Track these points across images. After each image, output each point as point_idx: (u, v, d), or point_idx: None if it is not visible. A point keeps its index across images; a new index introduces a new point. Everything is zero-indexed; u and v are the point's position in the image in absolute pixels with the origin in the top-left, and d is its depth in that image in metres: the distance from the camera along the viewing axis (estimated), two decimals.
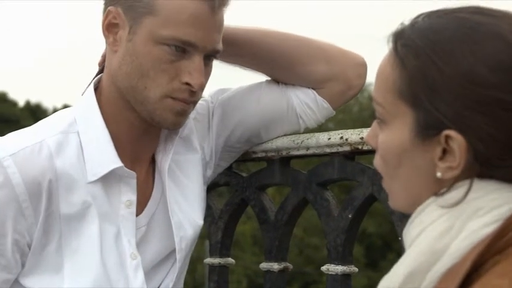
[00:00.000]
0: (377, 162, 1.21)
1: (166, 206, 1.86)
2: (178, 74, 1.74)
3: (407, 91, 1.13)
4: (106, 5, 1.78)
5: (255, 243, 22.95)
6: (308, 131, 2.04)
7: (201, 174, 1.97)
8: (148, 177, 1.87)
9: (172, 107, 1.76)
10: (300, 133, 2.03)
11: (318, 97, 1.98)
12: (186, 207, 1.90)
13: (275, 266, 2.09)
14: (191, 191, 1.93)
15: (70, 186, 1.74)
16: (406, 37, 1.14)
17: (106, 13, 1.77)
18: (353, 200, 1.93)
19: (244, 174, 2.16)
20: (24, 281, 1.75)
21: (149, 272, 1.84)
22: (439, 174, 1.12)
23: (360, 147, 1.89)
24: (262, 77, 2.02)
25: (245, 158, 2.09)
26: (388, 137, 1.17)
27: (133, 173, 1.80)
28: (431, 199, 1.13)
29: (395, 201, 1.21)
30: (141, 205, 1.84)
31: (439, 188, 1.13)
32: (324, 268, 1.98)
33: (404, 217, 1.19)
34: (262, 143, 2.05)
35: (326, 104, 1.98)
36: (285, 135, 2.04)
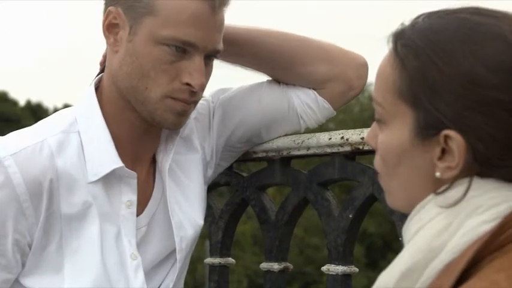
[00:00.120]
0: (377, 162, 1.21)
1: (167, 206, 1.86)
2: (178, 74, 1.74)
3: (407, 91, 1.13)
4: (106, 5, 1.78)
5: (256, 243, 22.95)
6: (309, 131, 2.04)
7: (202, 174, 1.97)
8: (149, 177, 1.87)
9: (173, 107, 1.76)
10: (300, 133, 2.03)
11: (319, 97, 1.97)
12: (186, 207, 1.90)
13: (275, 266, 2.09)
14: (192, 191, 1.93)
15: (71, 186, 1.74)
16: (406, 37, 1.14)
17: (106, 13, 1.77)
18: (353, 200, 1.93)
19: (244, 174, 2.16)
20: (25, 281, 1.75)
21: (149, 272, 1.84)
22: (438, 174, 1.12)
23: (360, 147, 1.89)
24: (263, 77, 2.02)
25: (246, 157, 2.09)
26: (388, 137, 1.17)
27: (134, 173, 1.79)
28: (431, 196, 1.14)
29: (394, 200, 1.21)
30: (142, 205, 1.84)
31: (437, 188, 1.13)
32: (324, 268, 1.98)
33: (405, 217, 1.19)
34: (263, 143, 2.05)
35: (327, 105, 1.98)
36: (285, 135, 2.04)
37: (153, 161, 1.89)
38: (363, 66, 1.98)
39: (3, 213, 1.71)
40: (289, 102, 1.98)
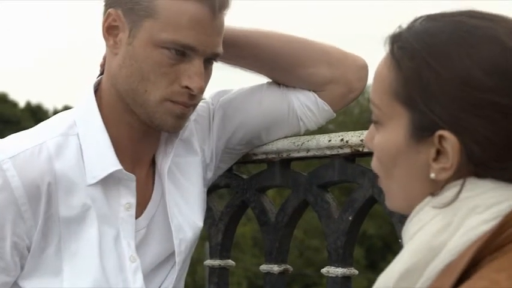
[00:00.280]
0: (374, 163, 1.22)
1: (166, 208, 1.86)
2: (178, 77, 1.74)
3: (402, 93, 1.14)
4: (106, 7, 1.78)
5: (255, 244, 22.96)
6: (308, 133, 2.04)
7: (201, 176, 1.96)
8: (149, 180, 1.87)
9: (172, 111, 1.76)
10: (300, 135, 2.03)
11: (319, 100, 1.97)
12: (186, 210, 1.90)
13: (275, 268, 2.09)
14: (191, 193, 1.93)
15: (69, 189, 1.74)
16: (402, 40, 1.15)
17: (106, 15, 1.77)
18: (353, 202, 1.93)
19: (244, 176, 2.16)
20: (24, 284, 1.75)
21: (148, 275, 1.84)
22: (432, 175, 1.13)
23: (360, 149, 1.89)
24: (263, 79, 2.02)
25: (245, 159, 2.09)
26: (384, 138, 1.18)
27: (133, 176, 1.79)
28: (428, 199, 1.14)
29: (392, 201, 1.22)
30: (141, 207, 1.84)
31: (434, 188, 1.14)
32: (324, 270, 1.98)
33: (404, 219, 1.19)
34: (263, 145, 2.05)
35: (327, 107, 1.98)
36: (285, 137, 2.04)
37: (153, 163, 1.89)
38: (363, 68, 1.98)
39: (1, 217, 1.70)
40: (289, 104, 1.97)
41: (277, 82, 2.00)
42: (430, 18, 1.16)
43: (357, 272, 1.99)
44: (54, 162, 1.74)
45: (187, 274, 2.01)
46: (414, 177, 1.15)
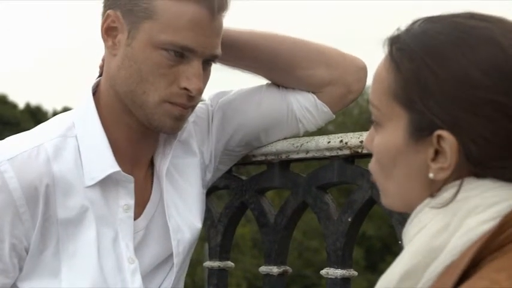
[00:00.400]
0: (372, 164, 1.23)
1: (165, 209, 1.86)
2: (176, 78, 1.74)
3: (401, 93, 1.15)
4: (105, 8, 1.78)
5: (255, 246, 22.96)
6: (308, 134, 2.04)
7: (200, 177, 1.96)
8: (147, 181, 1.87)
9: (171, 112, 1.75)
10: (299, 136, 2.03)
11: (318, 101, 1.97)
12: (184, 211, 1.90)
13: (274, 270, 2.09)
14: (190, 194, 1.93)
15: (67, 190, 1.74)
16: (401, 41, 1.17)
17: (105, 17, 1.77)
18: (352, 204, 1.93)
19: (243, 178, 2.15)
20: (22, 285, 1.75)
21: (147, 276, 1.83)
22: (431, 175, 1.13)
23: (359, 150, 1.89)
24: (261, 80, 2.02)
25: (245, 161, 2.09)
26: (384, 139, 1.19)
27: (131, 178, 1.79)
28: (428, 200, 1.15)
29: (390, 201, 1.22)
30: (140, 208, 1.84)
31: (433, 188, 1.15)
32: (323, 272, 1.98)
33: (404, 220, 1.19)
34: (262, 146, 2.04)
35: (326, 108, 1.98)
36: (284, 138, 2.04)
37: (151, 165, 1.88)
38: (362, 70, 1.98)
39: None
40: (288, 106, 1.97)
41: (276, 83, 2.00)
42: (428, 20, 1.17)
43: (356, 273, 1.99)
44: (52, 164, 1.74)
45: (187, 275, 2.01)
46: (413, 177, 1.16)
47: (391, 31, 1.20)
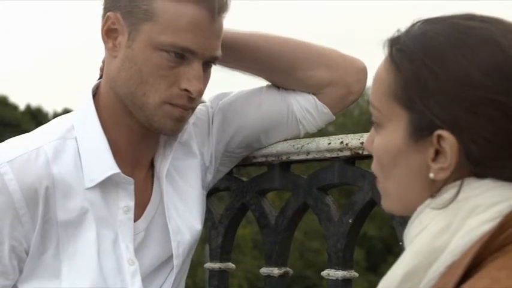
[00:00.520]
0: (374, 165, 1.23)
1: (165, 211, 1.86)
2: (177, 80, 1.74)
3: (401, 94, 1.15)
4: (105, 10, 1.78)
5: (256, 246, 22.96)
6: (308, 135, 2.04)
7: (200, 179, 1.96)
8: (147, 182, 1.87)
9: (171, 113, 1.75)
10: (300, 138, 2.03)
11: (318, 102, 1.97)
12: (184, 212, 1.90)
13: (275, 271, 2.09)
14: (190, 196, 1.93)
15: (67, 192, 1.74)
16: (401, 43, 1.17)
17: (105, 18, 1.77)
18: (353, 205, 1.93)
19: (244, 179, 2.15)
20: (23, 287, 1.75)
21: (147, 277, 1.83)
22: (431, 175, 1.14)
23: (360, 152, 1.89)
24: (262, 82, 2.02)
25: (245, 162, 2.09)
26: (384, 140, 1.19)
27: (131, 179, 1.79)
28: (429, 201, 1.15)
29: (389, 202, 1.23)
30: (140, 210, 1.84)
31: (433, 189, 1.15)
32: (324, 273, 1.98)
33: (405, 221, 1.19)
34: (263, 148, 2.04)
35: (326, 109, 1.98)
36: (285, 140, 2.04)
37: (152, 166, 1.88)
38: (362, 71, 1.98)
39: None
40: (288, 107, 1.97)
41: (276, 85, 2.00)
42: (427, 21, 1.18)
43: (357, 274, 1.99)
44: (52, 166, 1.74)
45: (188, 276, 2.01)
46: (413, 177, 1.16)
47: (391, 31, 1.21)
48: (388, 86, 1.17)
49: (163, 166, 1.86)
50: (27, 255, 1.73)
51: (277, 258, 2.09)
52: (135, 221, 1.82)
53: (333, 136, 1.95)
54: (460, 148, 1.11)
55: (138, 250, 1.82)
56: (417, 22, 1.18)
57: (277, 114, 1.98)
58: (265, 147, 2.04)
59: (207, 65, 1.78)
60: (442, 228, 1.11)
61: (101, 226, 1.77)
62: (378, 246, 26.15)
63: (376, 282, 1.17)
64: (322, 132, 2.07)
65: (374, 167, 1.23)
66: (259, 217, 2.12)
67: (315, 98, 1.98)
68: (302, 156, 2.01)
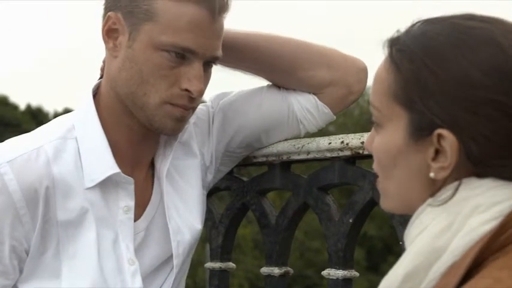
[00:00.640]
0: (375, 166, 1.23)
1: (165, 210, 1.86)
2: (177, 80, 1.74)
3: (402, 94, 1.16)
4: (106, 10, 1.78)
5: (256, 246, 22.95)
6: (309, 135, 2.04)
7: (200, 178, 1.96)
8: (148, 182, 1.87)
9: (172, 113, 1.76)
10: (300, 137, 2.03)
11: (319, 102, 1.97)
12: (184, 212, 1.90)
13: (276, 271, 2.09)
14: (190, 195, 1.93)
15: (67, 192, 1.74)
16: (401, 43, 1.17)
17: (106, 18, 1.77)
18: (354, 205, 1.93)
19: (245, 179, 2.15)
20: (23, 286, 1.75)
21: (147, 277, 1.84)
22: (431, 175, 1.14)
23: (360, 151, 1.89)
24: (262, 82, 2.02)
25: (246, 162, 2.09)
26: (384, 140, 1.19)
27: (131, 179, 1.79)
28: (430, 200, 1.15)
29: (389, 202, 1.23)
30: (140, 210, 1.84)
31: (433, 189, 1.15)
32: (324, 273, 1.98)
33: (405, 221, 1.19)
34: (263, 147, 2.04)
35: (327, 109, 1.98)
36: (285, 139, 2.04)
37: (152, 166, 1.89)
38: (363, 71, 1.98)
39: None
40: (289, 107, 1.97)
41: (277, 85, 2.00)
42: (427, 21, 1.18)
43: (357, 274, 1.99)
44: (52, 166, 1.74)
45: (188, 276, 2.01)
46: (413, 177, 1.17)
47: (391, 31, 1.21)
48: (388, 86, 1.17)
49: (163, 166, 1.86)
50: (28, 255, 1.73)
51: (277, 257, 2.09)
52: (135, 220, 1.82)
53: (333, 136, 1.95)
54: (460, 147, 1.11)
55: (138, 250, 1.82)
56: (417, 22, 1.19)
57: (278, 114, 1.98)
58: (265, 147, 2.04)
59: (207, 65, 1.78)
60: (443, 228, 1.11)
61: (101, 226, 1.77)
62: (378, 245, 26.15)
63: (377, 282, 1.17)
64: (322, 132, 2.07)
65: (375, 167, 1.23)
66: (259, 217, 2.12)
67: (315, 97, 1.98)
68: (302, 156, 2.01)
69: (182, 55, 1.73)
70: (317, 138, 1.99)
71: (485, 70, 1.10)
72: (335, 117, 2.02)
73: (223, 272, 2.21)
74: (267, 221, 2.10)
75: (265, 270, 2.11)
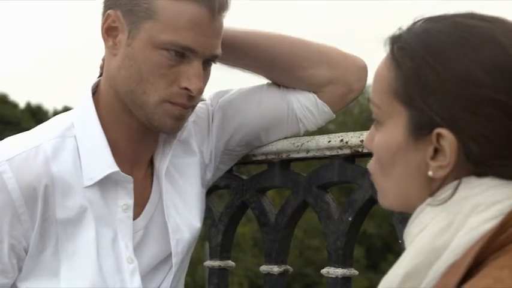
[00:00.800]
0: (371, 163, 1.23)
1: (164, 209, 1.86)
2: (177, 78, 1.74)
3: (402, 92, 1.16)
4: (105, 8, 1.78)
5: (256, 244, 22.96)
6: (308, 133, 2.04)
7: (200, 177, 1.96)
8: (147, 181, 1.87)
9: (171, 112, 1.76)
10: (300, 136, 2.03)
11: (319, 101, 1.97)
12: (183, 210, 1.90)
13: (275, 269, 2.09)
14: (189, 194, 1.93)
15: (66, 191, 1.74)
16: (402, 40, 1.17)
17: (105, 16, 1.77)
18: (353, 203, 1.93)
19: (244, 177, 2.15)
20: (22, 285, 1.75)
21: (146, 276, 1.83)
22: (430, 173, 1.14)
23: (360, 150, 1.89)
24: (262, 80, 2.02)
25: (245, 160, 2.09)
26: (384, 137, 1.19)
27: (130, 178, 1.79)
28: (429, 200, 1.15)
29: (387, 199, 1.23)
30: (139, 208, 1.84)
31: (432, 187, 1.15)
32: (324, 271, 1.98)
33: (404, 219, 1.20)
34: (263, 145, 2.04)
35: (326, 108, 1.98)
36: (285, 138, 2.04)
37: (151, 164, 1.89)
38: (363, 69, 1.98)
39: None
40: (288, 105, 1.97)
41: (276, 83, 2.00)
42: (429, 20, 1.18)
43: (357, 272, 1.99)
44: (51, 165, 1.74)
45: (187, 274, 2.01)
46: (412, 175, 1.17)
47: (391, 31, 1.20)
48: (389, 83, 1.17)
49: (162, 164, 1.86)
50: (27, 253, 1.73)
51: (277, 256, 2.09)
52: (134, 219, 1.82)
53: (333, 134, 1.95)
54: (460, 147, 1.11)
55: (137, 248, 1.82)
56: (419, 20, 1.18)
57: (278, 112, 1.98)
58: (265, 145, 2.04)
59: (207, 64, 1.78)
60: (442, 227, 1.11)
61: (100, 224, 1.77)
62: (377, 244, 26.15)
63: (376, 280, 1.17)
64: (322, 130, 2.07)
65: (371, 165, 1.23)
66: (259, 215, 2.12)
67: (315, 96, 1.98)
68: (302, 154, 2.01)
69: (182, 54, 1.73)
70: (316, 137, 1.99)
71: (487, 69, 1.10)
72: (335, 115, 2.02)
73: (222, 270, 2.21)
74: (267, 219, 2.10)
75: (264, 268, 2.11)
